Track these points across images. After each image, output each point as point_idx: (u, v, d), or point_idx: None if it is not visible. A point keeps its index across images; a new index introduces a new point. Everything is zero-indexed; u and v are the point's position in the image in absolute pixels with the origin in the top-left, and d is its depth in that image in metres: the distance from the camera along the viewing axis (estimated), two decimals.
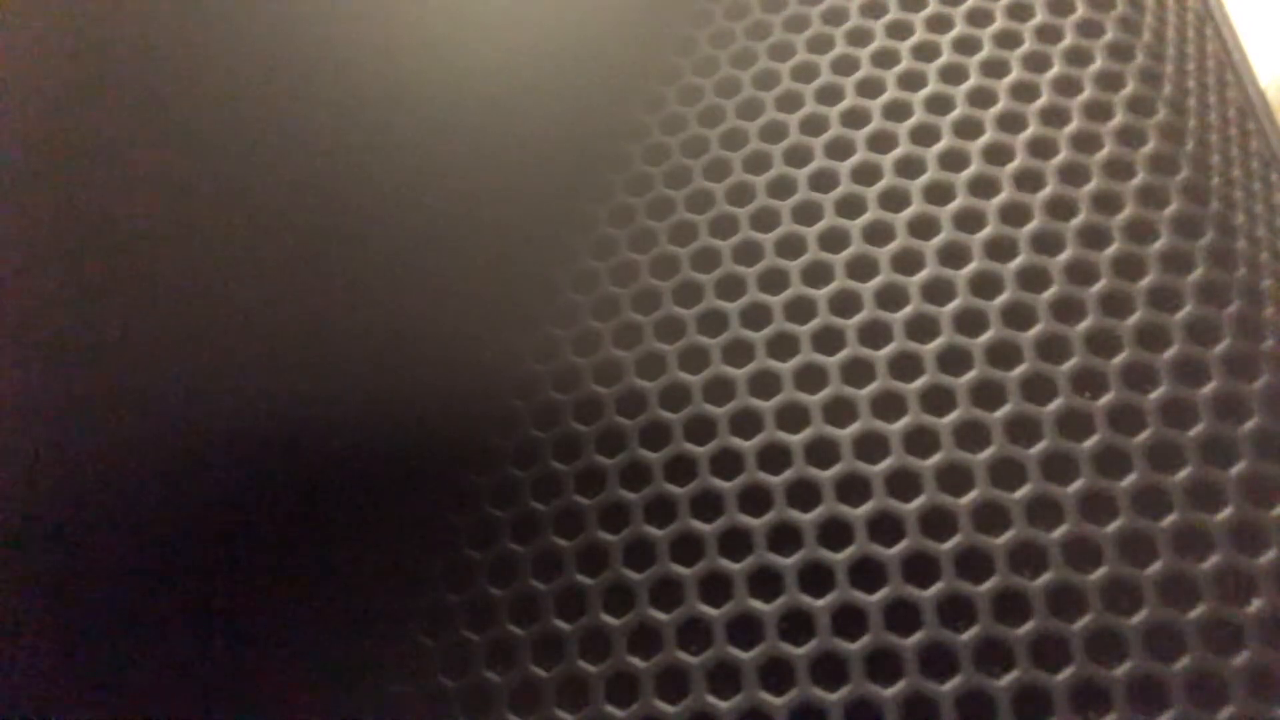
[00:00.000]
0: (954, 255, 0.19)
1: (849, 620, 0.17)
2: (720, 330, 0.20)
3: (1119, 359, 0.18)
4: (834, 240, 0.20)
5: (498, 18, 0.22)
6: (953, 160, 0.20)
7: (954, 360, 0.18)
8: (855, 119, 0.21)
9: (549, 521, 0.19)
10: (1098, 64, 0.21)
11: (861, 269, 0.20)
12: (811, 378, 0.19)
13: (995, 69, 0.21)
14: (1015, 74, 0.21)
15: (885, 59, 0.22)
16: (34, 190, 0.16)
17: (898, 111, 0.21)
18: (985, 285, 0.19)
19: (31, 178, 0.16)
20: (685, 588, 0.18)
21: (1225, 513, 0.17)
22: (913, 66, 0.21)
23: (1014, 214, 0.19)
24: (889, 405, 0.18)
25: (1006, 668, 0.16)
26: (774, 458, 0.18)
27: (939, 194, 0.20)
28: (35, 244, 0.16)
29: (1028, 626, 0.16)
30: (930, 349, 0.19)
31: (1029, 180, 0.20)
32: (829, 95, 0.22)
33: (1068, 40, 0.21)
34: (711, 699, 0.17)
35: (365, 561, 0.19)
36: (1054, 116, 0.20)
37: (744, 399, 0.19)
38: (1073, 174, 0.20)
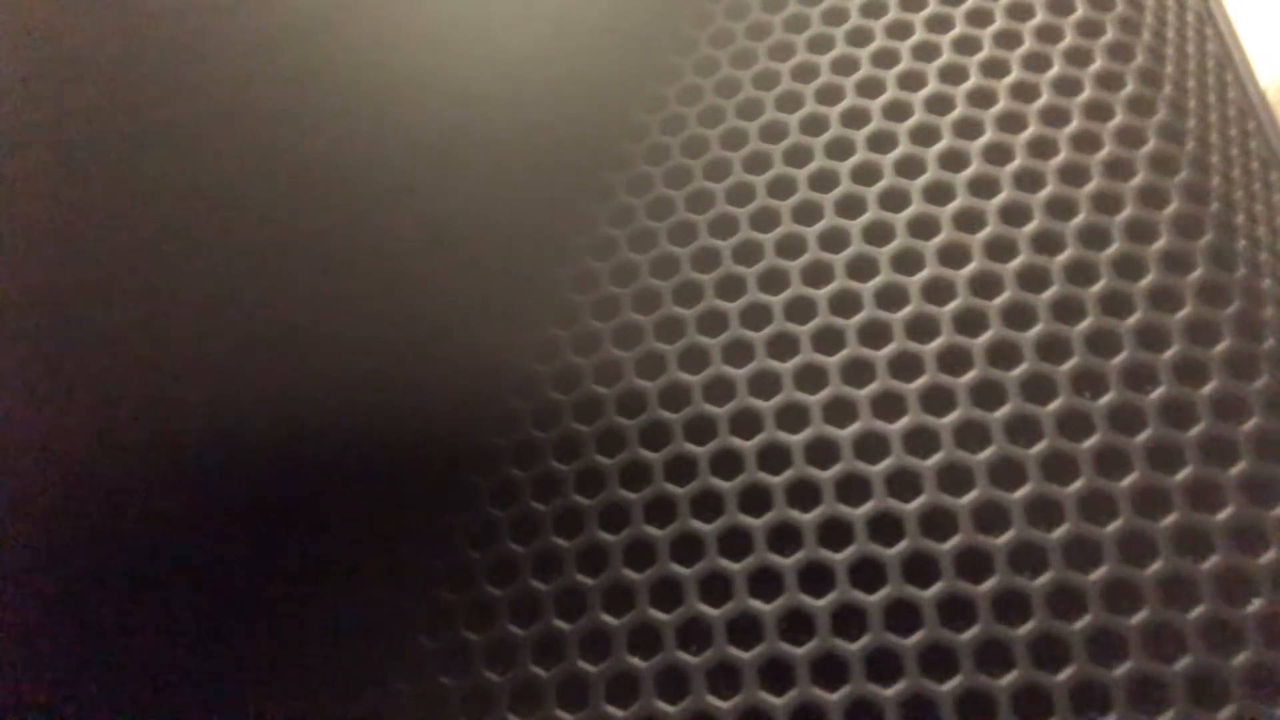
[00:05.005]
0: (954, 255, 0.19)
1: (849, 620, 0.17)
2: (720, 330, 0.20)
3: (1119, 359, 0.18)
4: (834, 240, 0.20)
5: (498, 19, 0.22)
6: (953, 160, 0.20)
7: (954, 360, 0.18)
8: (855, 119, 0.21)
9: (549, 521, 0.19)
10: (1098, 64, 0.21)
11: (861, 269, 0.20)
12: (811, 378, 0.19)
13: (995, 69, 0.21)
14: (1015, 74, 0.21)
15: (885, 59, 0.22)
16: (44, 191, 0.16)
17: (898, 111, 0.21)
18: (985, 285, 0.19)
19: (40, 180, 0.16)
20: (685, 588, 0.18)
21: (1225, 513, 0.17)
22: (913, 66, 0.21)
23: (1014, 214, 0.19)
24: (889, 405, 0.18)
25: (1006, 668, 0.16)
26: (774, 458, 0.18)
27: (939, 194, 0.20)
28: (45, 247, 0.16)
29: (1028, 626, 0.16)
30: (930, 349, 0.19)
31: (1029, 180, 0.20)
32: (829, 95, 0.22)
33: (1068, 40, 0.21)
34: (711, 699, 0.17)
35: (365, 561, 0.19)
36: (1054, 116, 0.20)
37: (744, 399, 0.19)
38: (1073, 174, 0.20)
